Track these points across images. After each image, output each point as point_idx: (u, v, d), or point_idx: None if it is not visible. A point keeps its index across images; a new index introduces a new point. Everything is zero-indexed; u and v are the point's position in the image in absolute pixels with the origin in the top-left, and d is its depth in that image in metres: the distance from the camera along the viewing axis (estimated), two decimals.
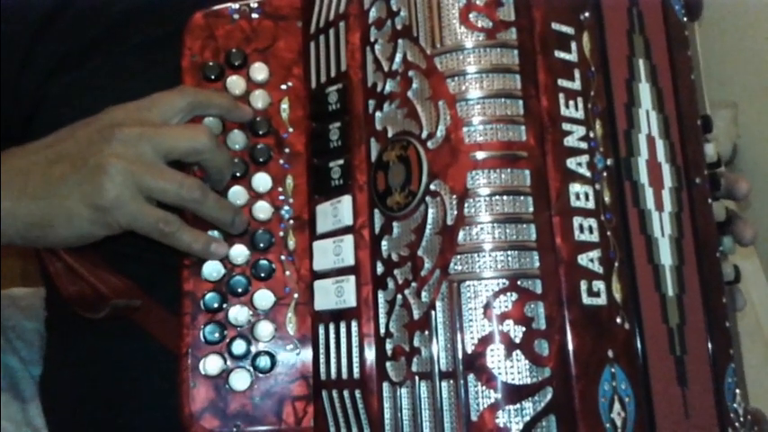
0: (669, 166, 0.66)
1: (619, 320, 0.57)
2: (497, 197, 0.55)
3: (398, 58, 0.60)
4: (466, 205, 0.55)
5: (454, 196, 0.56)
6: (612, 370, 0.56)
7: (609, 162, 0.60)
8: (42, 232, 0.63)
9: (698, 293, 0.66)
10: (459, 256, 0.55)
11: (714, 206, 0.72)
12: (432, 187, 0.57)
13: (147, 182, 0.61)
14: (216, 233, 0.66)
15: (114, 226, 0.62)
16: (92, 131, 0.63)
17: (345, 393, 0.61)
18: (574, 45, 0.60)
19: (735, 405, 0.67)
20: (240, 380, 0.64)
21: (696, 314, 0.65)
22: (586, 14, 0.61)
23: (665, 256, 0.64)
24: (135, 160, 0.61)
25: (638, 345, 0.58)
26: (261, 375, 0.64)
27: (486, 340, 0.53)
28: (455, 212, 0.55)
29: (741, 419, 0.67)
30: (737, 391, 0.68)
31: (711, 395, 0.64)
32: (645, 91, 0.66)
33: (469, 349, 0.54)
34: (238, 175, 0.67)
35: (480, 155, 0.56)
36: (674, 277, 0.64)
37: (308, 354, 0.65)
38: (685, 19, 0.73)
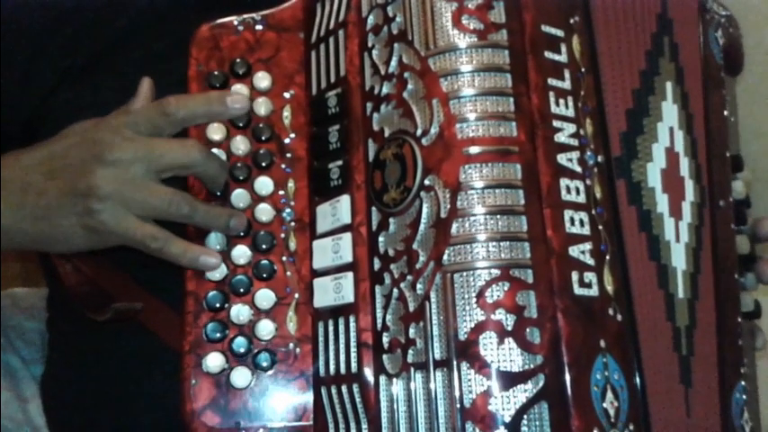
0: (693, 183, 0.69)
1: (611, 312, 0.58)
2: (489, 190, 0.57)
3: (394, 61, 0.62)
4: (459, 198, 0.57)
5: (447, 190, 0.57)
6: (605, 360, 0.57)
7: (600, 159, 0.62)
8: (43, 246, 0.69)
9: (712, 305, 0.68)
10: (452, 248, 0.56)
11: (738, 238, 0.74)
12: (426, 182, 0.58)
13: (136, 203, 0.64)
14: (218, 234, 0.68)
15: (108, 243, 0.66)
16: (84, 151, 0.65)
17: (344, 389, 0.62)
18: (563, 47, 0.62)
19: (741, 421, 0.67)
20: (241, 377, 0.65)
21: (708, 322, 0.66)
22: (576, 18, 0.63)
23: (678, 261, 0.65)
24: (125, 182, 0.64)
25: (632, 337, 0.59)
26: (261, 373, 0.66)
27: (478, 328, 0.54)
28: (448, 205, 0.57)
29: None
30: (746, 408, 0.68)
31: (717, 402, 0.65)
32: (669, 109, 0.69)
33: (463, 337, 0.55)
34: (241, 178, 0.69)
35: (473, 149, 0.57)
36: (687, 282, 0.65)
37: (307, 352, 0.66)
38: (722, 63, 0.77)
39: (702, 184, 0.70)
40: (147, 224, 0.65)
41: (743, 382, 0.68)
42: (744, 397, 0.67)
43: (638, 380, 0.59)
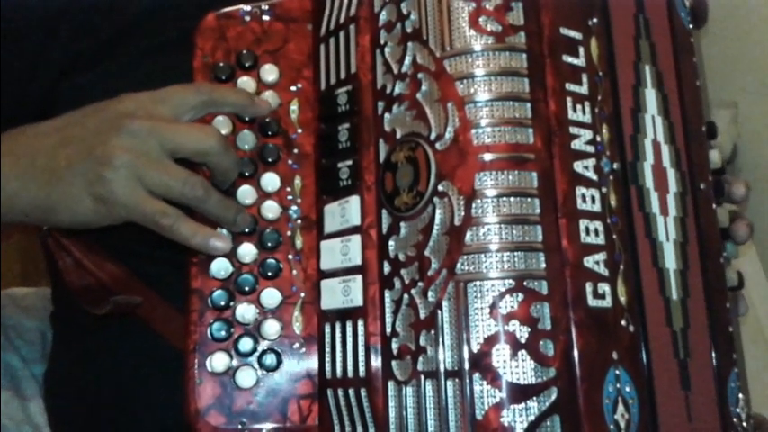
0: (674, 172, 0.67)
1: (624, 323, 0.58)
2: (504, 198, 0.56)
3: (408, 60, 0.61)
4: (473, 206, 0.56)
5: (462, 197, 0.56)
6: (617, 372, 0.56)
7: (615, 166, 0.61)
8: (45, 215, 0.64)
9: (702, 298, 0.66)
10: (465, 257, 0.55)
11: (718, 212, 0.72)
12: (440, 188, 0.57)
13: (150, 176, 0.62)
14: (224, 232, 0.66)
15: (115, 216, 0.63)
16: (101, 120, 0.64)
17: (351, 392, 0.61)
18: (581, 50, 0.60)
19: (737, 410, 0.67)
20: (246, 377, 0.64)
21: (700, 318, 0.65)
22: (594, 20, 0.62)
23: (670, 261, 0.64)
24: (141, 154, 0.61)
25: (643, 348, 0.59)
26: (267, 373, 0.65)
27: (491, 340, 0.54)
28: (462, 213, 0.56)
29: (743, 424, 0.68)
30: (740, 395, 0.68)
31: (714, 399, 0.65)
32: (651, 96, 0.67)
33: (475, 349, 0.54)
34: (247, 174, 0.67)
35: (488, 156, 0.56)
36: (679, 281, 0.64)
37: (313, 352, 0.66)
38: (691, 26, 0.74)
39: (683, 170, 0.68)
40: (157, 200, 0.62)
41: (735, 369, 0.67)
42: (738, 384, 0.67)
43: (647, 391, 0.58)
